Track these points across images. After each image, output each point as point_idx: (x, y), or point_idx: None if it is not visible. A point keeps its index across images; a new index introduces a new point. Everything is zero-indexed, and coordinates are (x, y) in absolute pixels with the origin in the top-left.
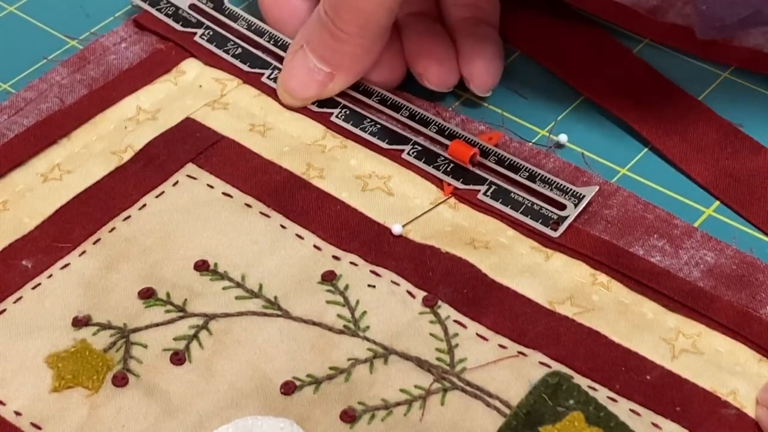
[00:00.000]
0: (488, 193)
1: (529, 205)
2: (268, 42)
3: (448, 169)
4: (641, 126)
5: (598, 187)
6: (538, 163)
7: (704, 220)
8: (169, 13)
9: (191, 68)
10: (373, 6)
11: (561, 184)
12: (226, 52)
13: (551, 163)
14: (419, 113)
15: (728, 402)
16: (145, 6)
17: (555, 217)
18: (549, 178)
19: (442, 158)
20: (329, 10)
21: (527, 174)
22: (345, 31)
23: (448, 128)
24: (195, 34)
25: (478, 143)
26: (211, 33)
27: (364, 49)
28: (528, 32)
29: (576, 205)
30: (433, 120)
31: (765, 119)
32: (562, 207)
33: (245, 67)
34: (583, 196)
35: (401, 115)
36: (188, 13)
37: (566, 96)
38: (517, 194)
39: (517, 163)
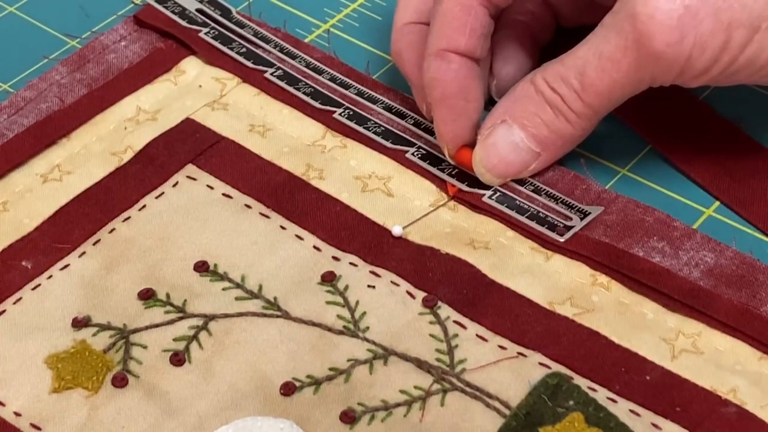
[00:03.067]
0: (493, 198)
1: (535, 212)
2: (275, 48)
3: (453, 173)
4: (641, 126)
5: (603, 208)
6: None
7: (704, 220)
8: (176, 11)
9: (191, 67)
10: (625, 78)
11: (566, 200)
12: (231, 49)
13: (551, 170)
14: (425, 123)
15: (728, 400)
16: (151, 1)
17: (561, 225)
18: (554, 194)
19: (447, 162)
20: (559, 86)
21: (532, 188)
22: (578, 111)
23: None
24: (199, 31)
25: None
26: (216, 33)
27: (587, 130)
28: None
29: (582, 219)
30: None
31: (765, 119)
32: (568, 218)
33: (249, 63)
34: (589, 213)
35: (407, 122)
36: (194, 14)
37: None
38: (523, 201)
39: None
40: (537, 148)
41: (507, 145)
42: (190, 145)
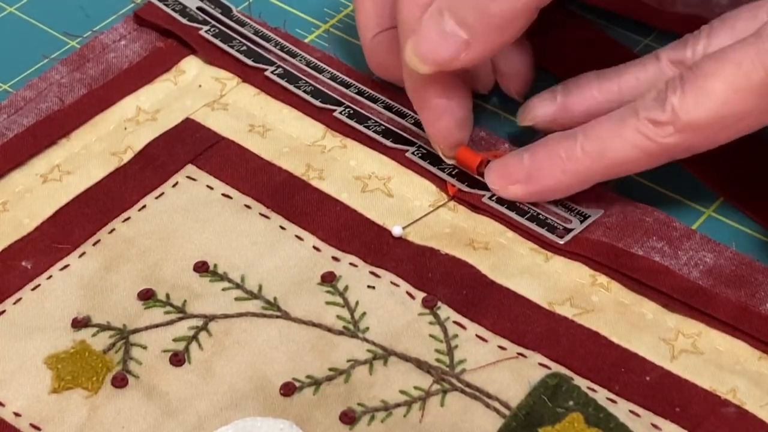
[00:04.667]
0: (493, 198)
1: (535, 213)
2: (275, 47)
3: (453, 172)
4: None
5: (602, 211)
6: None
7: (704, 220)
8: (176, 9)
9: (191, 67)
10: None
11: (565, 202)
12: (231, 47)
13: None
14: None
15: (728, 400)
16: None
17: (560, 227)
18: None
19: (447, 163)
20: None
21: None
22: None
23: None
24: (200, 29)
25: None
26: (216, 30)
27: (508, 20)
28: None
29: (581, 222)
30: None
31: None
32: (567, 220)
33: (249, 61)
34: (589, 216)
35: (407, 121)
36: (195, 12)
37: None
38: (523, 203)
39: None
40: (465, 34)
41: (436, 32)
42: (189, 146)
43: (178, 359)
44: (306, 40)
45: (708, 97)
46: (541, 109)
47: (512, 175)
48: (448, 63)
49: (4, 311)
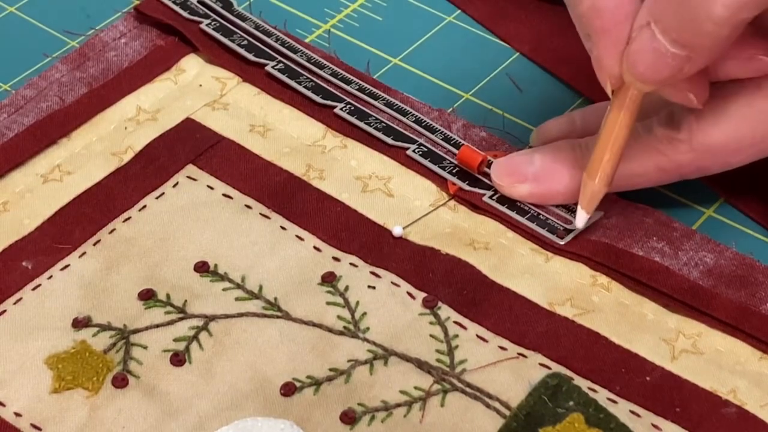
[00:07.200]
0: (494, 198)
1: (535, 213)
2: (276, 42)
3: (454, 171)
4: None
5: (602, 213)
6: None
7: (704, 220)
8: (177, 2)
9: (191, 66)
10: None
11: (567, 204)
12: (232, 41)
13: None
14: (425, 120)
15: (728, 401)
16: None
17: (561, 227)
18: None
19: (448, 161)
20: None
21: None
22: (717, 16)
23: (455, 138)
24: (201, 22)
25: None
26: (217, 24)
27: (731, 33)
28: (528, 34)
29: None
30: (440, 129)
31: None
32: (568, 221)
33: (250, 56)
34: (589, 218)
35: (408, 119)
36: (196, 5)
37: (566, 96)
38: (523, 203)
39: None
40: (683, 52)
41: (651, 51)
42: (190, 146)
43: (178, 359)
44: (306, 41)
45: (726, 117)
46: (557, 131)
47: (520, 174)
48: (670, 79)
49: (4, 311)
